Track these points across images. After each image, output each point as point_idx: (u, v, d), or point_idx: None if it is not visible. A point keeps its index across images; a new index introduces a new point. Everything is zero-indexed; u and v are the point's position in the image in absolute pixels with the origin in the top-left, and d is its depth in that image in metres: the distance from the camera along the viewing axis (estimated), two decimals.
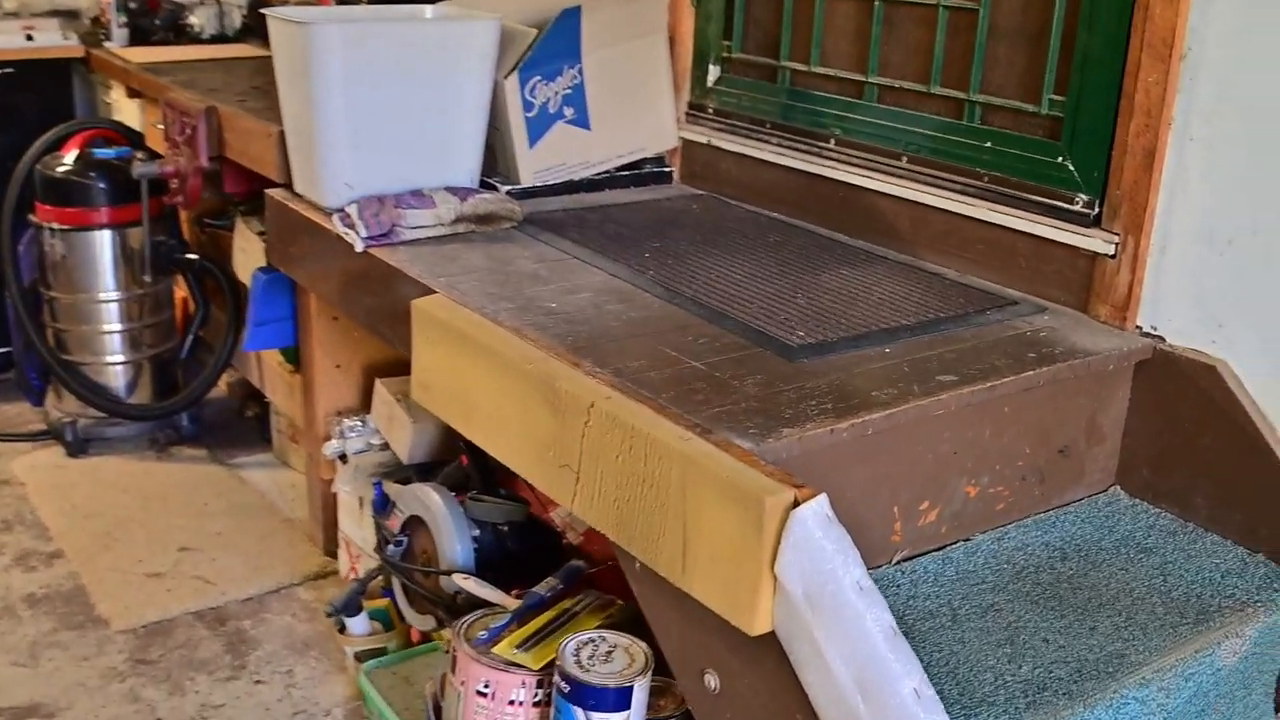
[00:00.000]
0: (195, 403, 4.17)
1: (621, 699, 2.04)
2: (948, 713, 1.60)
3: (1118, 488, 2.25)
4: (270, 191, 3.00)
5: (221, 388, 4.46)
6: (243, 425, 4.35)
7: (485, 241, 2.62)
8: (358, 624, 2.93)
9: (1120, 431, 2.22)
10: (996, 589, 1.92)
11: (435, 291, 2.28)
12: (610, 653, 2.12)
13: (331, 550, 3.47)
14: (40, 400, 4.28)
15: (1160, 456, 2.18)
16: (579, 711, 2.05)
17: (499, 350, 1.99)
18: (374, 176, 2.71)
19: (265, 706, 2.90)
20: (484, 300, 2.23)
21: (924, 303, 2.30)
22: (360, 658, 2.89)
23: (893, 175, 2.65)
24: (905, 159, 2.63)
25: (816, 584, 1.49)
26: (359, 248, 2.56)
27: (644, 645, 2.09)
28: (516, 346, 2.00)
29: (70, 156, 3.93)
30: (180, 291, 4.28)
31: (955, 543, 2.03)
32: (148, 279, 4.01)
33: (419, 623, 2.83)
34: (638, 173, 3.18)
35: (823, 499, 1.52)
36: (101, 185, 3.90)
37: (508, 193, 2.90)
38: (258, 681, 2.99)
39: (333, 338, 3.23)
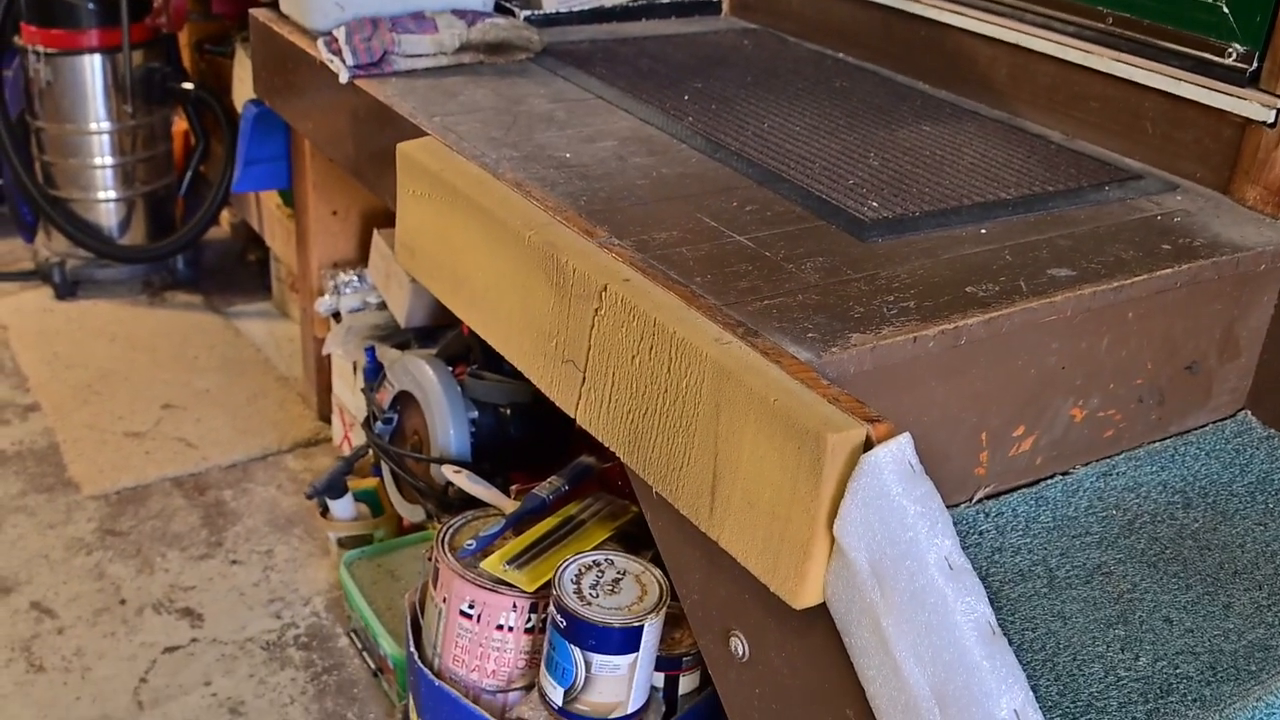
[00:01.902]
0: (190, 245, 3.85)
1: (628, 640, 1.70)
2: None
3: (1249, 414, 1.84)
4: (255, 12, 2.62)
5: (224, 229, 4.14)
6: (244, 271, 4.03)
7: (495, 76, 2.20)
8: (341, 507, 2.59)
9: (1259, 346, 1.81)
10: (1104, 544, 1.52)
11: (427, 134, 1.86)
12: (618, 580, 1.77)
13: (326, 415, 3.17)
14: (32, 237, 3.95)
15: None
16: (576, 651, 1.71)
17: (494, 211, 1.59)
18: None
19: (239, 591, 2.60)
20: (484, 146, 1.81)
21: (1026, 171, 1.88)
22: (343, 544, 2.57)
23: (989, 12, 2.19)
24: None
25: (890, 555, 1.10)
26: (344, 78, 2.16)
27: (659, 573, 1.74)
28: (517, 207, 1.59)
29: None
30: (180, 124, 3.93)
31: (1052, 477, 1.63)
32: (129, 109, 3.64)
33: (407, 512, 2.50)
34: (681, 1, 2.73)
35: (905, 441, 1.12)
36: (89, 4, 3.51)
37: (526, 18, 2.49)
38: (234, 561, 2.69)
39: (329, 181, 2.86)
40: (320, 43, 2.24)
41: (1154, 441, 1.75)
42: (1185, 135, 1.90)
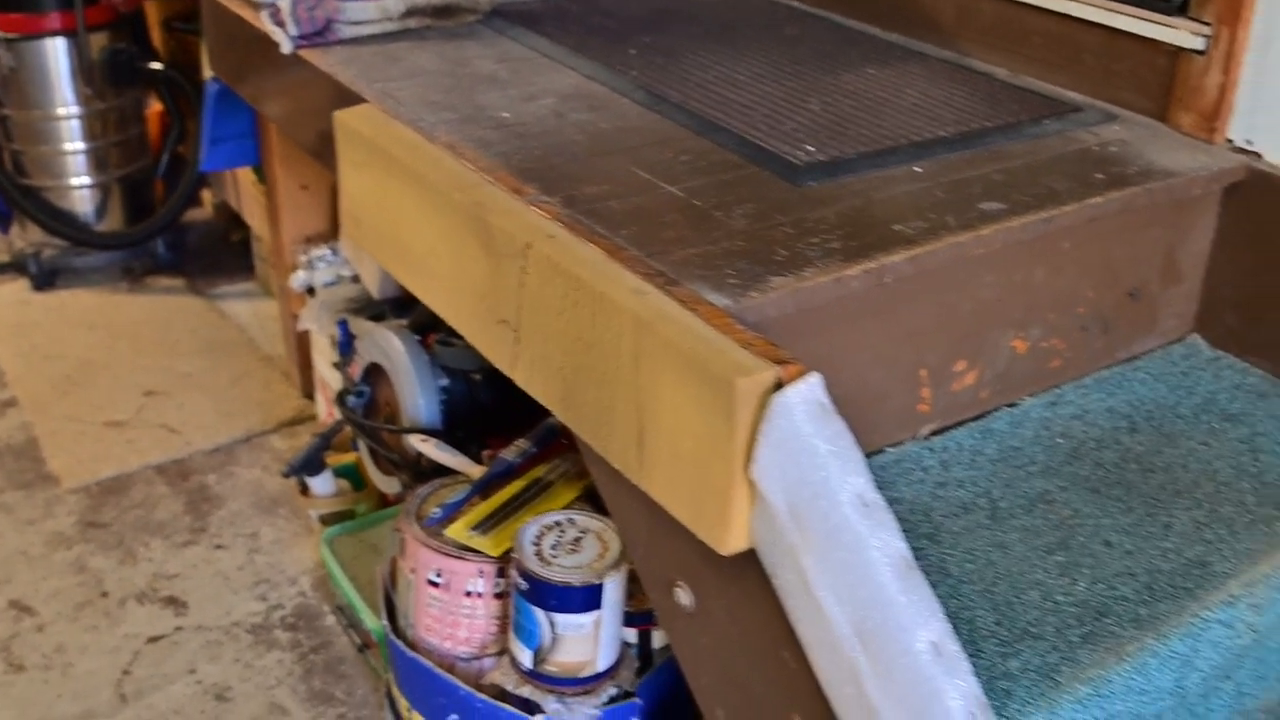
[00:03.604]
0: (168, 228, 3.83)
1: (589, 598, 1.70)
2: (980, 652, 1.23)
3: (1197, 337, 1.84)
4: None
5: (207, 210, 4.12)
6: (227, 251, 4.01)
7: (441, 39, 2.19)
8: (321, 483, 2.60)
9: (1202, 270, 1.81)
10: (1048, 472, 1.53)
11: (365, 100, 1.86)
12: (579, 539, 1.77)
13: (309, 392, 3.16)
14: (7, 228, 3.93)
15: (1251, 300, 1.77)
16: (539, 613, 1.72)
17: (426, 175, 1.59)
18: None
19: (224, 575, 2.61)
20: (422, 110, 1.81)
21: (968, 109, 1.87)
22: (325, 521, 2.58)
23: None
24: None
25: (804, 496, 1.11)
26: (286, 49, 2.14)
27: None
28: (448, 169, 1.59)
29: None
30: (156, 105, 3.91)
31: (998, 409, 1.64)
32: (91, 91, 3.61)
33: (384, 485, 2.50)
34: None
35: (815, 381, 1.12)
36: None
37: None
38: (218, 546, 2.69)
39: (297, 155, 2.85)
40: (264, 14, 2.22)
41: (1102, 369, 1.75)
42: (1123, 66, 1.90)
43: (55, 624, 2.46)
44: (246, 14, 2.33)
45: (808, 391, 1.11)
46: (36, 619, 2.47)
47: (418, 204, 1.63)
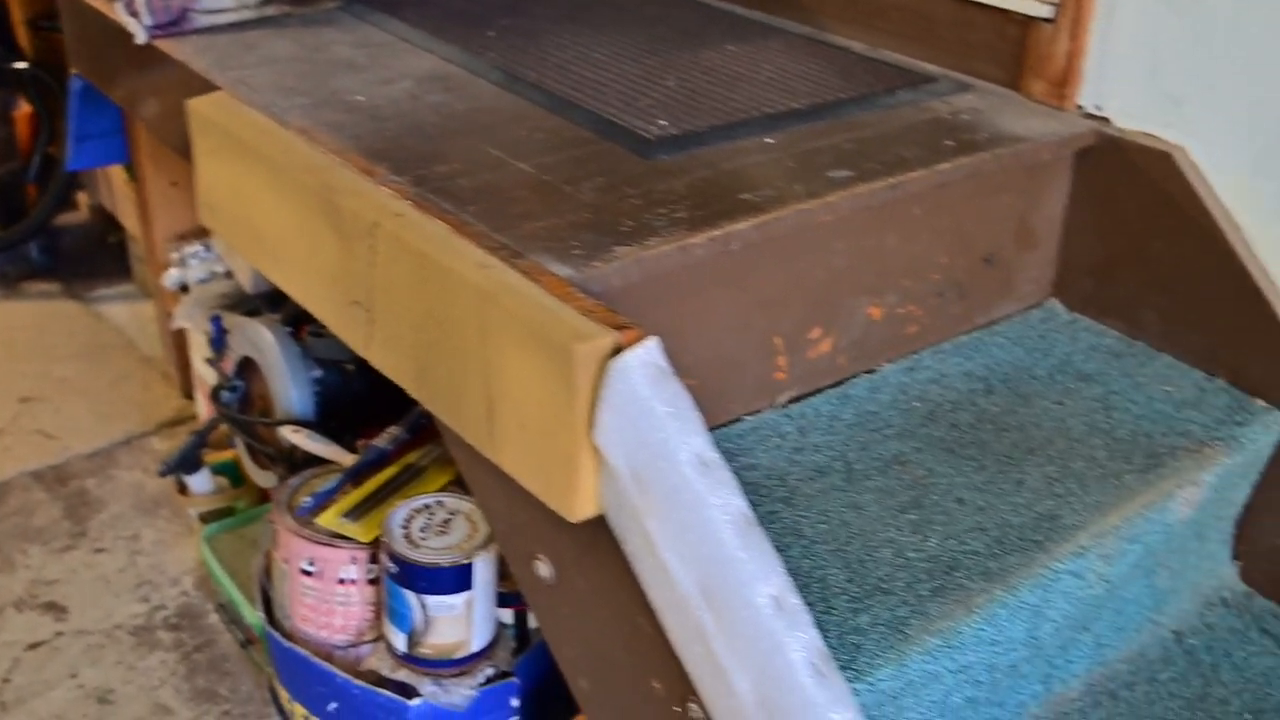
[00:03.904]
0: (41, 231, 3.76)
1: (459, 578, 1.71)
2: (831, 609, 1.25)
3: (1055, 301, 1.87)
4: None
5: (82, 213, 4.04)
6: (104, 254, 3.93)
7: (300, 26, 2.17)
8: (199, 481, 2.57)
9: (1057, 235, 1.84)
10: (904, 435, 1.55)
11: (219, 89, 1.83)
12: (448, 521, 1.77)
13: (190, 392, 3.11)
14: None
15: (1104, 264, 1.80)
16: (410, 595, 1.71)
17: (277, 159, 1.57)
18: None
19: (105, 579, 2.56)
20: (276, 96, 1.79)
21: (823, 82, 1.89)
22: (205, 519, 2.54)
23: None
24: None
25: (645, 458, 1.11)
26: (141, 39, 2.11)
27: None
28: (299, 153, 1.58)
29: None
30: (25, 107, 3.82)
31: (857, 376, 1.65)
32: None
33: (261, 479, 2.47)
34: None
35: (652, 345, 1.13)
36: None
37: None
38: (99, 550, 2.64)
39: (166, 150, 2.79)
40: (118, 5, 2.18)
41: (960, 335, 1.77)
42: (976, 37, 1.92)
43: None
44: (101, 6, 2.29)
45: (645, 355, 1.12)
46: None
47: (270, 189, 1.61)
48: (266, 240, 1.66)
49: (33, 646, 2.39)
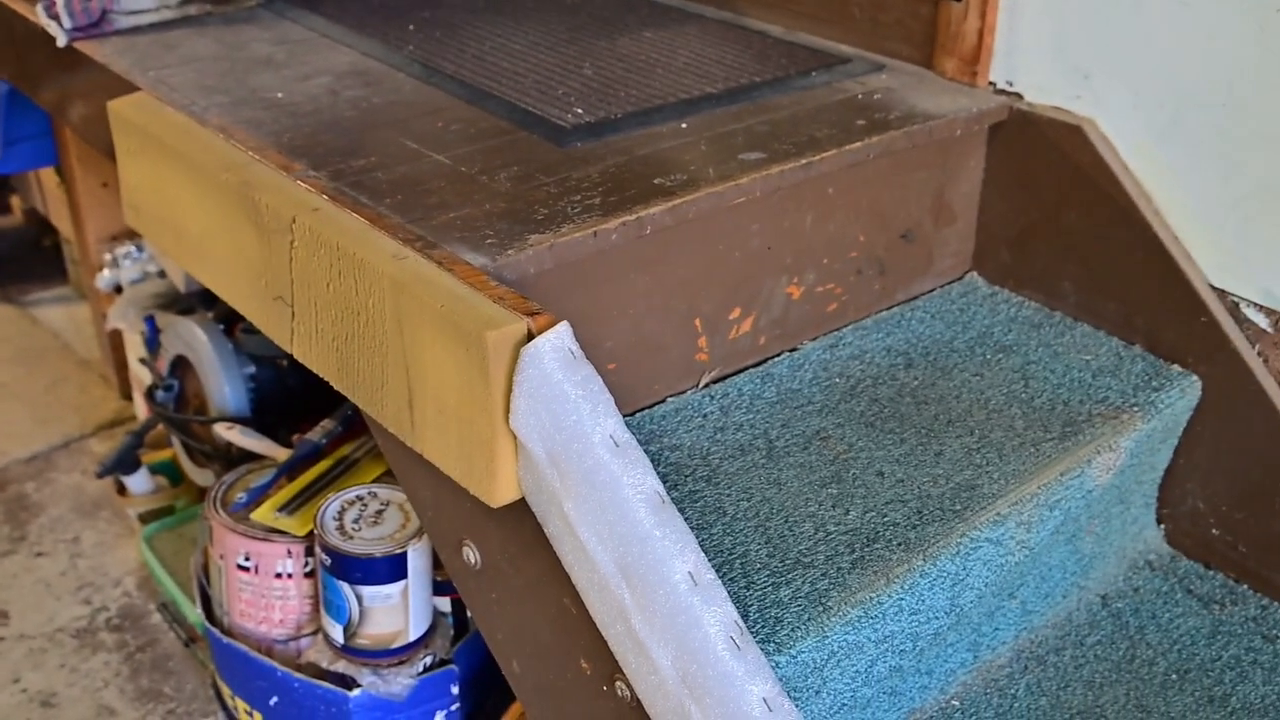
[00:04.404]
0: None
1: (394, 568, 1.72)
2: (752, 584, 1.27)
3: (975, 274, 1.90)
4: None
5: (16, 216, 4.01)
6: (39, 257, 3.90)
7: (221, 24, 2.17)
8: (137, 482, 2.56)
9: (975, 209, 1.87)
10: (825, 411, 1.57)
11: (139, 89, 1.83)
12: (380, 512, 1.79)
13: (128, 393, 3.10)
14: None
15: (1021, 236, 1.83)
16: (345, 586, 1.73)
17: (196, 158, 1.58)
18: None
19: (46, 583, 2.55)
20: (196, 95, 1.79)
21: (738, 66, 1.91)
22: (144, 519, 2.54)
23: None
24: None
25: (560, 441, 1.13)
26: (61, 41, 2.10)
27: None
28: (218, 151, 1.58)
29: None
30: None
31: (779, 354, 1.68)
32: None
33: (199, 477, 2.48)
34: None
35: (562, 329, 1.15)
36: None
37: None
38: (39, 554, 2.63)
39: (94, 152, 2.77)
40: (39, 7, 2.17)
41: (881, 311, 1.80)
42: (888, 17, 1.95)
43: None
44: (22, 8, 2.28)
45: (556, 340, 1.14)
46: None
47: (190, 188, 1.61)
48: (190, 239, 1.67)
49: None
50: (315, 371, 1.47)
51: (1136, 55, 1.69)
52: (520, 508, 1.25)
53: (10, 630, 2.43)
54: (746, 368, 1.66)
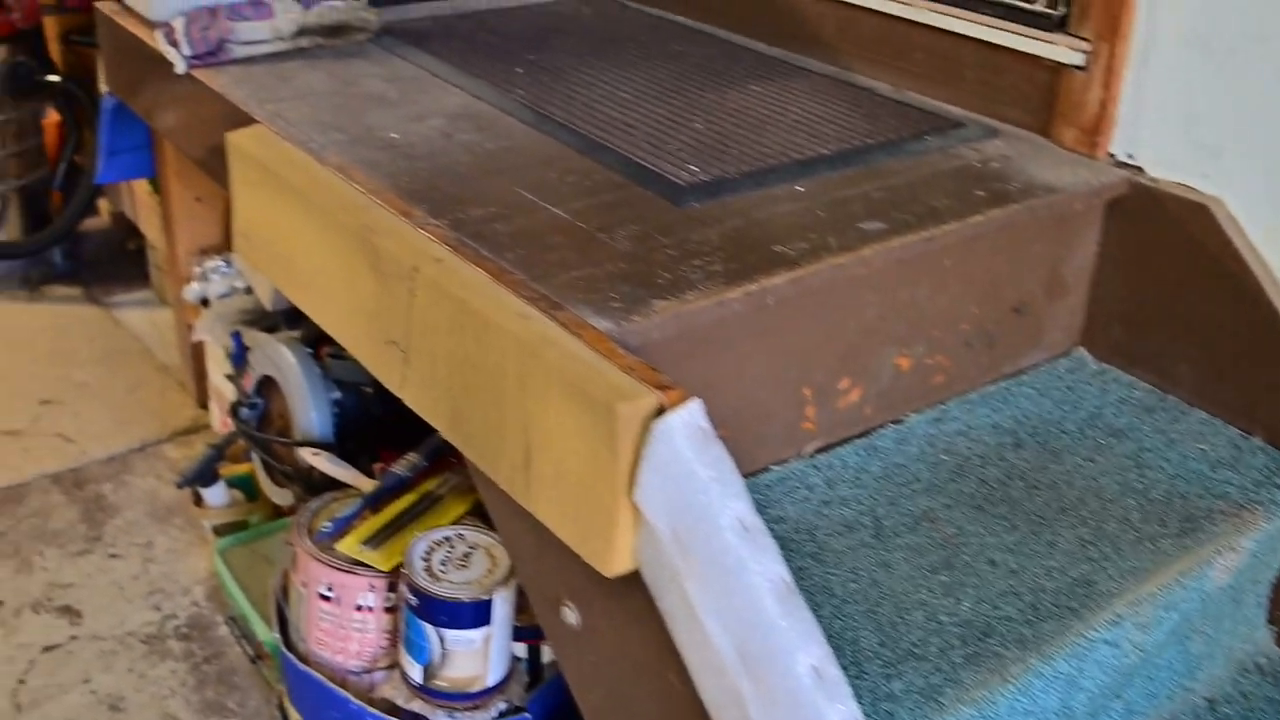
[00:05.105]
0: (66, 237, 3.80)
1: (479, 614, 1.71)
2: (864, 673, 1.25)
3: (1083, 351, 1.87)
4: (99, 5, 2.58)
5: (105, 219, 4.07)
6: (123, 260, 3.96)
7: (332, 58, 2.18)
8: (214, 494, 2.57)
9: (1087, 283, 1.84)
10: (933, 490, 1.55)
11: (257, 121, 1.84)
12: (468, 555, 1.78)
13: (205, 402, 3.12)
14: None
15: (1136, 314, 1.80)
16: (429, 628, 1.72)
17: (316, 197, 1.58)
18: None
19: (119, 585, 2.57)
20: (312, 131, 1.80)
21: (849, 126, 1.89)
22: (218, 532, 2.55)
23: None
24: None
25: (686, 520, 1.12)
26: (180, 69, 2.12)
27: None
28: (337, 191, 1.59)
29: None
30: (54, 116, 3.85)
31: (883, 425, 1.66)
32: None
33: (277, 497, 2.48)
34: None
35: (695, 407, 1.13)
36: None
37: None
38: (113, 555, 2.65)
39: (191, 167, 2.81)
40: (158, 33, 2.20)
41: (987, 384, 1.77)
42: (1004, 81, 1.93)
43: None
44: (141, 33, 2.31)
45: (688, 417, 1.13)
46: None
47: (307, 225, 1.62)
48: (301, 273, 1.67)
49: (48, 649, 2.40)
50: (425, 419, 1.47)
51: (1271, 133, 1.65)
52: (631, 578, 1.23)
53: (83, 629, 2.45)
54: (850, 438, 1.64)
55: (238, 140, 1.80)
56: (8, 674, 2.33)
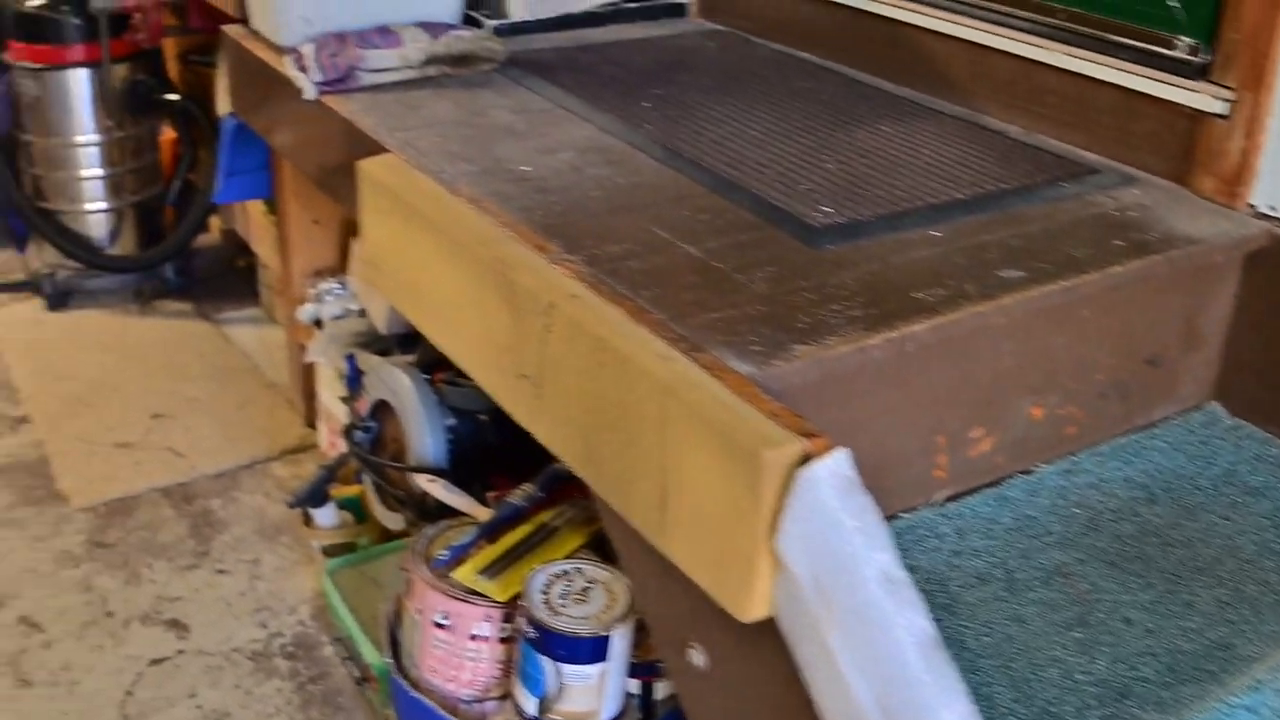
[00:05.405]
0: (178, 253, 3.87)
1: (597, 650, 1.71)
2: None
3: (1216, 405, 1.83)
4: (227, 29, 2.63)
5: (214, 235, 4.14)
6: (233, 277, 4.03)
7: (459, 88, 2.20)
8: (324, 515, 2.60)
9: (1222, 336, 1.80)
10: (1065, 544, 1.52)
11: (387, 150, 1.86)
12: (587, 589, 1.78)
13: (313, 421, 3.15)
14: (23, 248, 3.97)
15: (1273, 368, 1.76)
16: (546, 661, 1.72)
17: (450, 228, 1.59)
18: (336, 11, 2.31)
19: (226, 601, 2.61)
20: (443, 162, 1.82)
21: (983, 169, 1.87)
22: (327, 552, 2.57)
23: (947, 10, 2.18)
24: None
25: (830, 570, 1.11)
26: (310, 94, 2.16)
27: (628, 581, 1.74)
28: (471, 224, 1.60)
29: None
30: (168, 134, 3.94)
31: (1013, 475, 1.63)
32: (120, 122, 3.67)
33: (389, 521, 2.50)
34: (647, 4, 2.72)
35: (842, 456, 1.12)
36: (74, 21, 3.54)
37: (495, 29, 2.47)
38: (220, 571, 2.69)
39: (310, 190, 2.86)
40: (288, 59, 2.24)
41: (1119, 436, 1.74)
42: (1141, 128, 1.90)
43: (62, 641, 2.47)
44: (269, 57, 2.35)
45: (835, 466, 1.12)
46: (44, 635, 2.49)
47: (439, 255, 1.63)
48: (431, 302, 1.68)
49: (156, 662, 2.44)
50: (555, 453, 1.47)
51: None
52: (765, 624, 1.22)
53: (189, 644, 2.49)
54: (979, 487, 1.61)
55: (369, 168, 1.82)
56: (115, 685, 2.38)
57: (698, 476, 1.22)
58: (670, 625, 1.43)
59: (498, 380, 1.56)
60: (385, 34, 2.25)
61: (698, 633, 1.38)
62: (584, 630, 1.70)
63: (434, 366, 2.42)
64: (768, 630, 1.23)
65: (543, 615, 1.71)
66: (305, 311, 2.87)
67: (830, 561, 1.10)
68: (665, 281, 1.48)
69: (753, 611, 1.20)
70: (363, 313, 2.80)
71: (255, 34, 2.49)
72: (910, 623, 1.08)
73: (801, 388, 1.31)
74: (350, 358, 2.61)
